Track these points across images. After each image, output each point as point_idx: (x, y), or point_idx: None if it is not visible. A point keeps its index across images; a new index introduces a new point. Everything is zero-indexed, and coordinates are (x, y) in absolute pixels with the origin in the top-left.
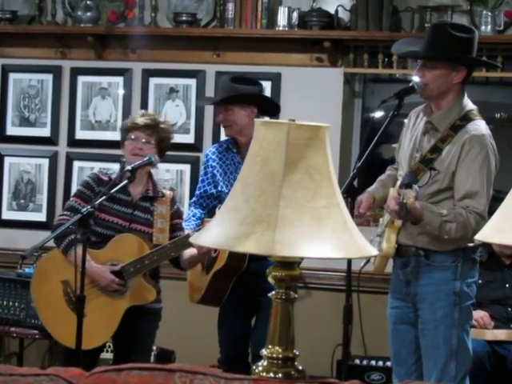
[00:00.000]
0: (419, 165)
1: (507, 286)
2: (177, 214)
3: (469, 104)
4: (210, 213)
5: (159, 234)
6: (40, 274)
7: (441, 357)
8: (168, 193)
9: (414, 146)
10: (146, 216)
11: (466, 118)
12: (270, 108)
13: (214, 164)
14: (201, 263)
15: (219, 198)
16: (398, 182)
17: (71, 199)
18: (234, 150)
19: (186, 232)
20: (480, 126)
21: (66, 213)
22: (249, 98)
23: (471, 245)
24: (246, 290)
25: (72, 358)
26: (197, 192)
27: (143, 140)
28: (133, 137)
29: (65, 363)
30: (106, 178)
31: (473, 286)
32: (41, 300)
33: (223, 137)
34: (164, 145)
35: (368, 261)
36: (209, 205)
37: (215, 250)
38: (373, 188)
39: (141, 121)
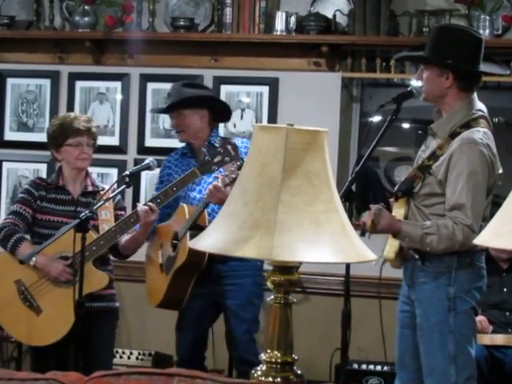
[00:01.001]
0: (416, 171)
1: (505, 290)
2: (118, 205)
3: (478, 112)
4: (163, 220)
5: (105, 225)
6: None
7: (438, 363)
8: (106, 186)
9: (419, 153)
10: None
11: (467, 125)
12: (223, 112)
13: (169, 171)
14: (159, 266)
15: (177, 202)
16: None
17: (14, 205)
18: (190, 155)
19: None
20: (474, 133)
21: (9, 216)
22: (198, 101)
23: (469, 249)
24: (207, 294)
25: (41, 359)
26: None
27: (86, 144)
28: (76, 142)
29: (35, 364)
30: (42, 183)
31: (472, 291)
32: None
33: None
34: (95, 145)
35: (384, 261)
36: (163, 212)
37: (174, 249)
38: None
39: (82, 126)
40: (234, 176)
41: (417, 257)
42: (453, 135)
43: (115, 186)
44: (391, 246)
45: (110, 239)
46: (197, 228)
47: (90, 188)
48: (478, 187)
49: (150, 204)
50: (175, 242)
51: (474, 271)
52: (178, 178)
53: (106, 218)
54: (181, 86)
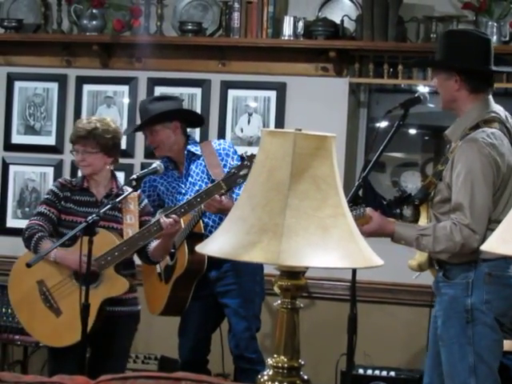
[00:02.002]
0: (431, 178)
1: None
2: (144, 211)
3: (491, 113)
4: None
5: (129, 229)
6: (14, 277)
7: (458, 374)
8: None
9: None
10: (113, 213)
11: (476, 126)
12: (195, 119)
13: (155, 184)
14: (157, 275)
15: None
16: None
17: (39, 206)
18: (171, 168)
19: (153, 220)
20: (477, 134)
21: (34, 218)
22: (166, 115)
23: (486, 257)
24: (207, 297)
25: (57, 359)
26: None
27: (83, 151)
28: (75, 149)
29: (52, 365)
30: (68, 184)
31: (493, 302)
32: (18, 303)
33: None
34: (108, 147)
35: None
36: None
37: (172, 258)
38: None
39: (73, 134)
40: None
41: (437, 267)
42: (462, 138)
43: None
44: (417, 255)
45: (132, 246)
46: (193, 236)
47: (115, 191)
48: (477, 186)
49: (174, 216)
50: (172, 250)
51: (496, 281)
52: (163, 190)
53: (131, 223)
54: (148, 103)
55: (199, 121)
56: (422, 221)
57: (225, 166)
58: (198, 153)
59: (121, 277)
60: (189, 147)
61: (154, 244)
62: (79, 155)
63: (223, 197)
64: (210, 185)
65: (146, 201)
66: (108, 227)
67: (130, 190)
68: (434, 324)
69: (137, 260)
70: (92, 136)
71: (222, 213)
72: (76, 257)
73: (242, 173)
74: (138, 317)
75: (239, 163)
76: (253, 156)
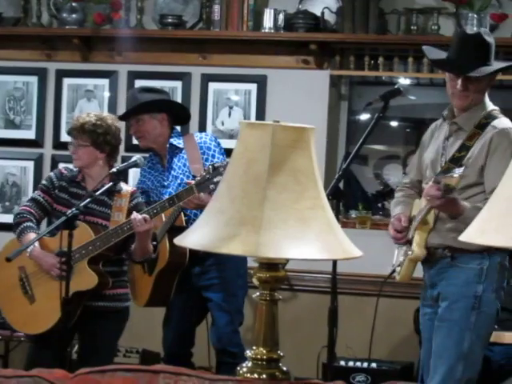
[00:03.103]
0: (449, 164)
1: None
2: (135, 208)
3: (491, 104)
4: None
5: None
6: None
7: (449, 357)
8: (130, 188)
9: (437, 152)
10: (102, 209)
11: (491, 116)
12: (182, 115)
13: (143, 179)
14: (141, 266)
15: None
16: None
17: (35, 191)
18: (155, 161)
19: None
20: (505, 123)
21: (27, 203)
22: (156, 105)
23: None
24: (191, 290)
25: (37, 353)
26: None
27: (75, 144)
28: (69, 142)
29: (30, 359)
30: (67, 174)
31: (499, 291)
32: None
33: None
34: (99, 142)
35: (393, 271)
36: None
37: (155, 250)
38: (399, 209)
39: (69, 127)
40: (206, 183)
41: (449, 254)
42: (479, 126)
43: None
44: (421, 243)
45: (105, 242)
46: (175, 229)
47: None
48: None
49: (144, 215)
50: (154, 243)
51: (503, 271)
52: (150, 185)
53: (117, 220)
54: (137, 92)
55: (186, 117)
56: None
57: (206, 159)
58: (181, 146)
59: (91, 272)
60: (171, 140)
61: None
62: (72, 147)
63: (201, 193)
64: (181, 189)
65: (139, 199)
66: (94, 223)
67: (125, 187)
68: (428, 322)
69: None
70: (84, 129)
71: (202, 209)
72: (50, 259)
73: (215, 179)
74: (124, 313)
75: (222, 157)
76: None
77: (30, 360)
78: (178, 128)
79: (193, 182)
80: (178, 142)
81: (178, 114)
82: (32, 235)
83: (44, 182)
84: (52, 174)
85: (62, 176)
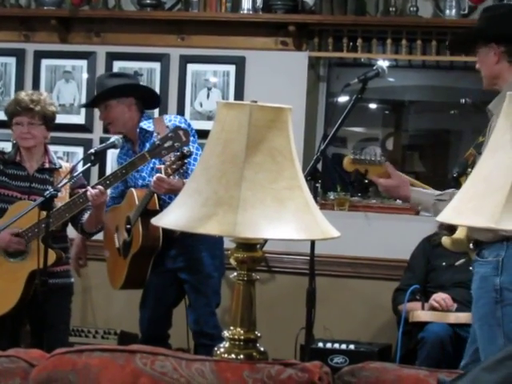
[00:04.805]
0: (472, 150)
1: (471, 268)
2: (76, 184)
3: None
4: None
5: (59, 203)
6: None
7: (488, 356)
8: (68, 164)
9: None
10: (45, 187)
11: None
12: (151, 98)
13: (118, 166)
14: (117, 250)
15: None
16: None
17: None
18: (127, 147)
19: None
20: None
21: None
22: (123, 89)
23: None
24: (167, 272)
25: None
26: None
27: (28, 123)
28: (17, 121)
29: None
30: (1, 157)
31: None
32: None
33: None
34: (50, 120)
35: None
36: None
37: (129, 234)
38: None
39: (21, 106)
40: (175, 167)
41: (471, 246)
42: None
43: (80, 164)
44: (461, 230)
45: (58, 217)
46: (148, 213)
47: (47, 165)
48: None
49: (99, 187)
50: (128, 226)
51: None
52: None
53: (61, 196)
54: (105, 78)
55: (156, 101)
56: None
57: None
58: (151, 129)
59: (49, 249)
60: (141, 124)
61: (86, 216)
62: (24, 127)
63: (171, 177)
64: (134, 157)
65: (79, 175)
66: None
67: (64, 163)
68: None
69: None
70: (38, 108)
71: (173, 193)
72: (4, 235)
73: (166, 145)
74: (71, 289)
75: (193, 138)
76: (178, 128)
77: None
78: (156, 111)
79: (162, 166)
80: (148, 125)
81: (146, 98)
82: None
83: None
84: None
85: None
